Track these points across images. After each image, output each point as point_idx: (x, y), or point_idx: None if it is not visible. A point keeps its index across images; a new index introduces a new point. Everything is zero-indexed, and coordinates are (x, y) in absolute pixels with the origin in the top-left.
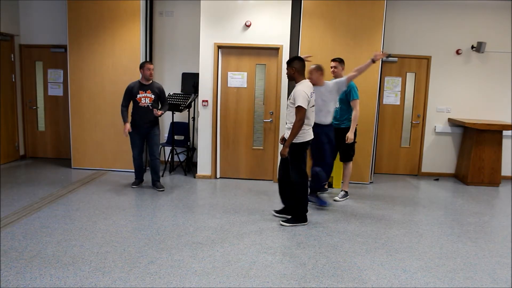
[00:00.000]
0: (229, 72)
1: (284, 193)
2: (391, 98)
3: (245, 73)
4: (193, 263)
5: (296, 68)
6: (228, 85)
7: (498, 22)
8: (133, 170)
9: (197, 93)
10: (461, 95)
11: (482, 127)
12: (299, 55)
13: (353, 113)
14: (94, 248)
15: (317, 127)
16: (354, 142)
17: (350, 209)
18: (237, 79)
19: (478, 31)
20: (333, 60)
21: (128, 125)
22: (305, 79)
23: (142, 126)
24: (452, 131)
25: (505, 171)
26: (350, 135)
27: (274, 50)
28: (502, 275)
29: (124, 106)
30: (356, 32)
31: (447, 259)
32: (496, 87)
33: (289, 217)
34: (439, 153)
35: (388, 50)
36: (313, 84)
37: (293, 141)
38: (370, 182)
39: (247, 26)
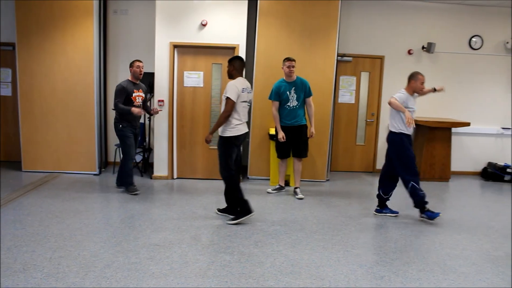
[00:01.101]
0: (185, 72)
1: (227, 192)
2: (346, 97)
3: (201, 73)
4: (151, 265)
5: (235, 66)
6: (184, 85)
7: (446, 23)
8: (87, 172)
9: (153, 92)
10: None
11: (433, 125)
12: (239, 55)
13: (312, 109)
14: (47, 253)
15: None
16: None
17: (308, 207)
18: (193, 78)
19: (429, 32)
20: (293, 59)
21: (138, 109)
22: (241, 77)
23: (135, 126)
24: None
25: (454, 166)
26: (313, 129)
27: (230, 50)
28: (451, 265)
29: (121, 104)
30: (311, 32)
31: (401, 252)
32: (445, 86)
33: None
34: None
35: (342, 50)
36: (415, 93)
37: (221, 134)
38: (327, 180)
39: (203, 25)
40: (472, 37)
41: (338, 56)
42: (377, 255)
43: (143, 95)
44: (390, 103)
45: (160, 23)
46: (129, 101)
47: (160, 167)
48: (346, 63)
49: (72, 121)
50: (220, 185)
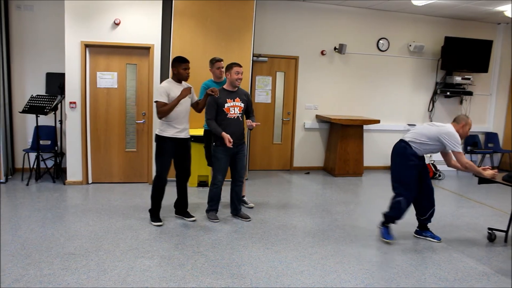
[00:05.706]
0: (98, 72)
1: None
2: (262, 96)
3: (115, 73)
4: (66, 275)
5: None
6: (98, 86)
7: (356, 26)
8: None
9: (64, 94)
10: (327, 92)
11: (346, 122)
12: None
13: None
14: None
15: None
16: None
17: (226, 207)
18: (107, 79)
19: (340, 34)
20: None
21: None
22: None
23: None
24: (319, 126)
25: (367, 162)
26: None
27: (145, 50)
28: (366, 256)
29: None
30: (227, 32)
31: (319, 247)
32: (356, 85)
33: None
34: (308, 148)
35: (258, 50)
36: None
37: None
38: (246, 179)
39: (116, 24)
40: (380, 39)
41: (253, 56)
42: (296, 250)
43: (242, 105)
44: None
45: (70, 21)
46: (221, 113)
47: (74, 172)
48: (262, 63)
49: None
50: (138, 188)
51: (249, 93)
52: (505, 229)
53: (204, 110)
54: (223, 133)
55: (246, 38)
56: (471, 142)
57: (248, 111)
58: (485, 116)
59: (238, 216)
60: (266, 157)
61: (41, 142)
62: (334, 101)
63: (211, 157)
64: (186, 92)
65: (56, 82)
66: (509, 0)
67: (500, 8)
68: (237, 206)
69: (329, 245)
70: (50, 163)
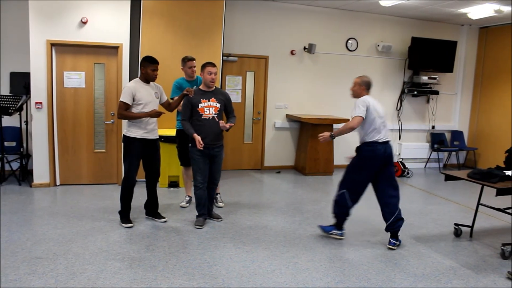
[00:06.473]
0: (65, 72)
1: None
2: (232, 96)
3: (83, 73)
4: (33, 280)
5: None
6: (65, 86)
7: (326, 26)
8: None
9: (29, 94)
10: (297, 92)
11: (315, 122)
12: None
13: None
14: None
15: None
16: None
17: None
18: (74, 79)
19: (310, 33)
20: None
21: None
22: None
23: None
24: (290, 126)
25: (337, 160)
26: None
27: (114, 49)
28: (337, 254)
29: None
30: (196, 32)
31: (291, 245)
32: (325, 85)
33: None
34: (279, 147)
35: (228, 50)
36: None
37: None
38: None
39: (84, 23)
40: (349, 39)
41: (223, 56)
42: (268, 249)
43: (218, 105)
44: None
45: (35, 19)
46: (196, 113)
47: (41, 174)
48: (232, 63)
49: None
50: (107, 189)
51: None
52: (470, 224)
53: (176, 109)
54: (194, 134)
55: (216, 38)
56: (437, 140)
57: (227, 111)
58: (450, 115)
59: (210, 216)
60: (237, 156)
61: (6, 143)
62: (304, 100)
63: (185, 157)
64: (154, 114)
65: (21, 82)
66: (471, 1)
67: (463, 10)
68: (209, 207)
69: (300, 244)
70: (15, 165)
